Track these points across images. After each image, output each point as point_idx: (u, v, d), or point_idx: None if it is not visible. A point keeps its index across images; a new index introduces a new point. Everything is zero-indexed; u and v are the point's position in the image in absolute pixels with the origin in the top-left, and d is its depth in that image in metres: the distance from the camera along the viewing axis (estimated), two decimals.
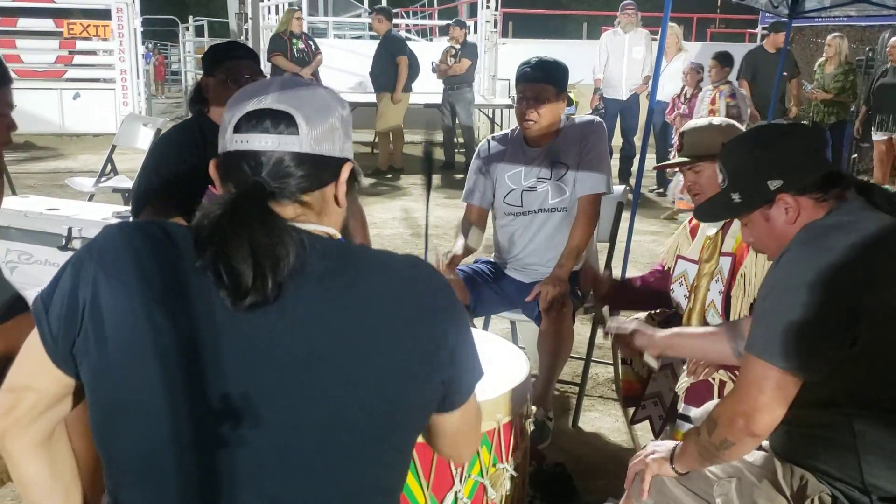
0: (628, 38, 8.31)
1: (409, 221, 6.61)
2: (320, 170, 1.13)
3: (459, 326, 1.16)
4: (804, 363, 1.42)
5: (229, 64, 2.53)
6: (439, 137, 9.49)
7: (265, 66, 9.02)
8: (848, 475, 1.50)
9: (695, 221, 2.47)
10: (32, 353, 1.12)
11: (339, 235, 1.17)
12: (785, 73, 7.68)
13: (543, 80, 2.83)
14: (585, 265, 2.85)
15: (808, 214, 1.56)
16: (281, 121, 1.10)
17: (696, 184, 2.30)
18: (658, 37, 4.26)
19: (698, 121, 2.37)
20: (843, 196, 1.56)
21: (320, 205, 1.14)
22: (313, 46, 9.01)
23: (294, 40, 8.74)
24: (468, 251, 2.96)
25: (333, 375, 1.06)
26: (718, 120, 2.33)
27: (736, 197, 1.63)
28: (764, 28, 12.13)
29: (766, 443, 1.70)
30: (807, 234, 1.51)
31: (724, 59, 6.86)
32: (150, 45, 20.09)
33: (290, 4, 11.58)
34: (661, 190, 7.95)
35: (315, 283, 1.07)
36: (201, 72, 2.87)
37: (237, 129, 1.11)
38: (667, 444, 1.70)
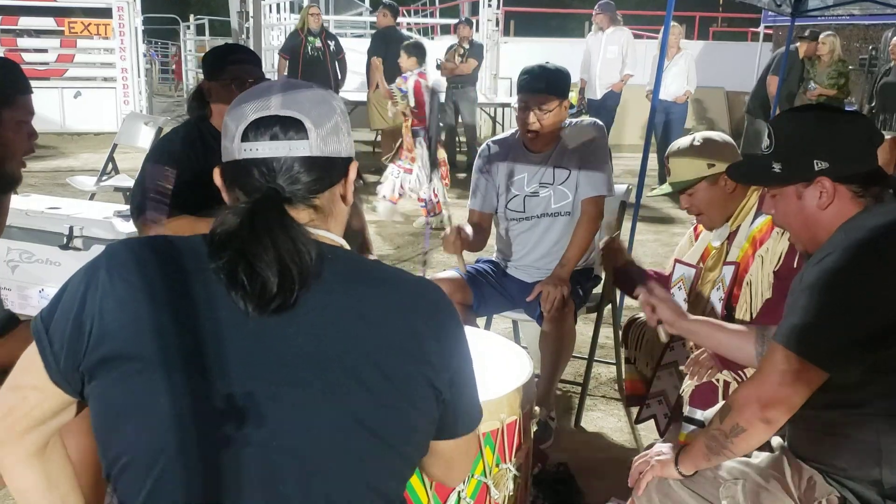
0: (605, 37, 8.34)
1: (410, 220, 6.59)
2: (330, 170, 1.14)
3: (462, 355, 1.17)
4: (833, 360, 1.41)
5: (232, 69, 2.50)
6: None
7: (266, 65, 9.03)
8: (865, 473, 1.49)
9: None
10: (30, 368, 1.11)
11: (347, 246, 1.18)
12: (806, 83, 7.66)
13: (546, 91, 2.78)
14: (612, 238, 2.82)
15: (841, 205, 1.54)
16: (290, 127, 1.10)
17: (692, 205, 2.28)
18: (660, 35, 4.24)
19: (681, 143, 2.34)
20: (880, 196, 1.54)
21: (329, 206, 1.15)
22: (332, 46, 8.68)
23: (310, 38, 8.53)
24: (475, 245, 2.94)
25: (342, 379, 1.06)
26: (700, 138, 2.30)
27: (777, 167, 1.59)
28: (767, 27, 12.13)
29: (775, 442, 1.69)
30: (850, 236, 1.47)
31: (415, 50, 6.82)
32: (149, 44, 20.05)
33: (291, 2, 11.57)
34: None
35: (327, 289, 1.08)
36: (202, 71, 2.86)
37: (245, 138, 1.10)
38: (672, 446, 1.68)
